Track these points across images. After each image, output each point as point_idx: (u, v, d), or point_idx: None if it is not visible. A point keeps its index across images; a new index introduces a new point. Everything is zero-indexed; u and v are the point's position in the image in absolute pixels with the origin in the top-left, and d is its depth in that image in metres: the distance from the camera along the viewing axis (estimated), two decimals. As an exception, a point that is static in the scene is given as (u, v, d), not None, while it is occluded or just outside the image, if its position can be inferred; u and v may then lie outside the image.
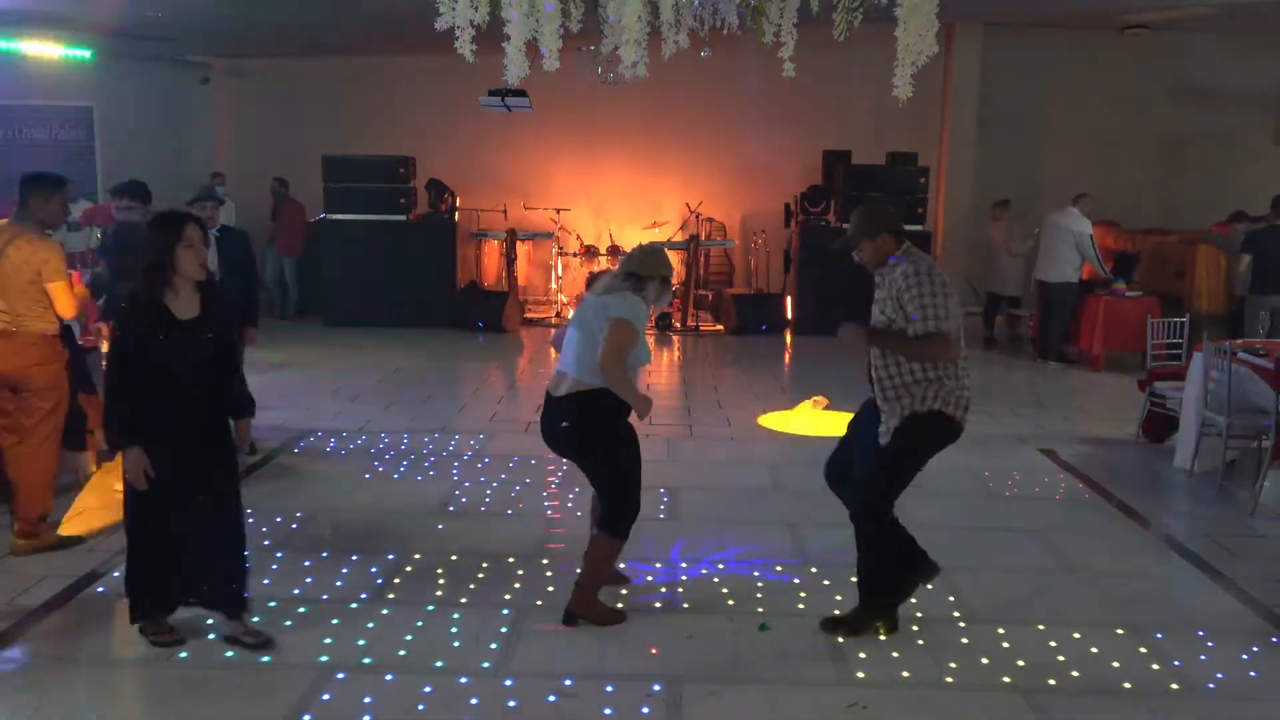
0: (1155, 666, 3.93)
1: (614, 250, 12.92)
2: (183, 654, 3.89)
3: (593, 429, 4.15)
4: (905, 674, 3.83)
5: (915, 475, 4.03)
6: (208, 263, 6.09)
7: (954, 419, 3.93)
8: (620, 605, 4.37)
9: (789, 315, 12.44)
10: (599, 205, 14.05)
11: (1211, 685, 3.81)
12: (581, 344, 4.15)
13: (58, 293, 4.83)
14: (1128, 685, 3.79)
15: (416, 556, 4.88)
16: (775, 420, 7.83)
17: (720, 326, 12.57)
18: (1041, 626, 4.23)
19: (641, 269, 4.21)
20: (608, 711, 3.53)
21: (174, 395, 3.76)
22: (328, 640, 4.00)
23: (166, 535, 3.85)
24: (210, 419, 3.88)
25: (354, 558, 4.84)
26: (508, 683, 3.71)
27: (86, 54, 12.70)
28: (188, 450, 3.80)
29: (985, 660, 3.95)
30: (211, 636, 4.03)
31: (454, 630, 4.13)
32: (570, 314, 4.06)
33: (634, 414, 4.12)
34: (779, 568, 4.83)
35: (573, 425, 4.18)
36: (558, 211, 13.27)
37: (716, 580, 4.67)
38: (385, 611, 4.29)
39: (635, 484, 4.16)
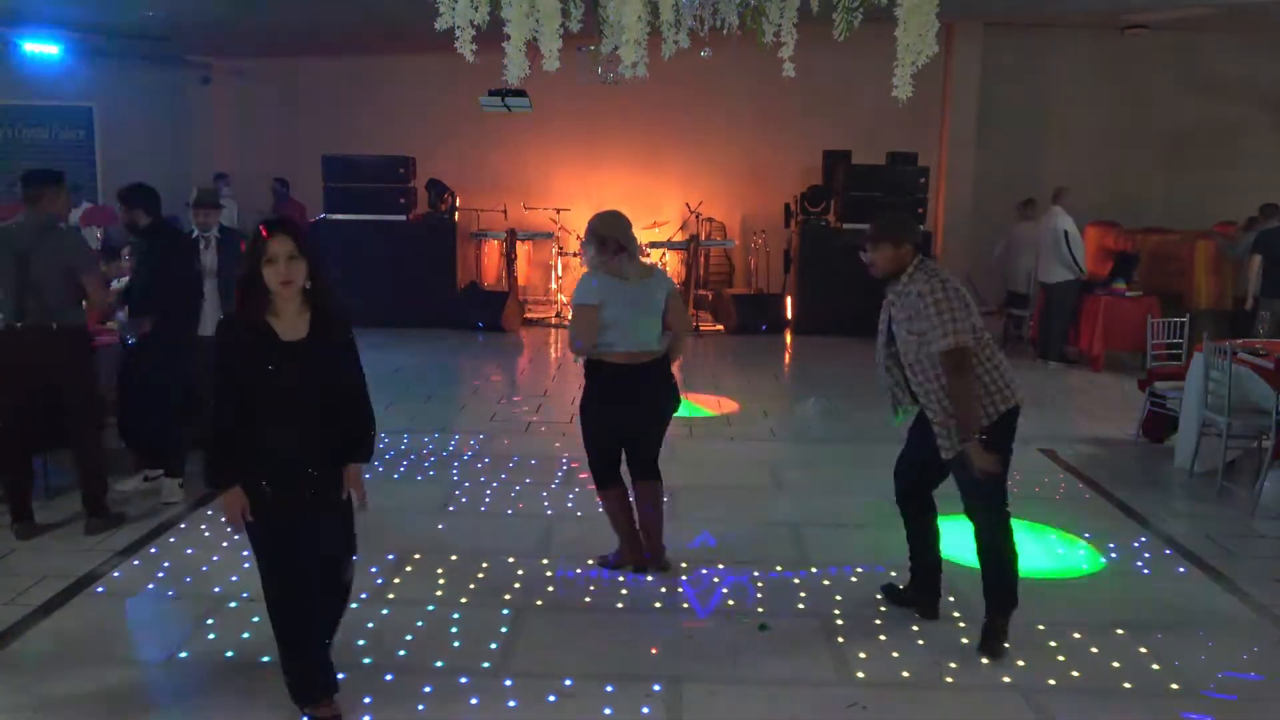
0: (1155, 666, 3.93)
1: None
2: (183, 654, 3.89)
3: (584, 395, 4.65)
4: (905, 674, 3.83)
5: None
6: (205, 263, 6.18)
7: (1013, 408, 3.89)
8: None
9: (789, 315, 12.44)
10: (599, 205, 13.83)
11: (1211, 685, 3.80)
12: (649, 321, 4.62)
13: (94, 285, 5.09)
14: (1128, 685, 3.79)
15: (416, 556, 4.88)
16: (772, 422, 7.82)
17: (720, 326, 12.57)
18: (1041, 626, 4.23)
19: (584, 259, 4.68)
20: (608, 711, 3.53)
21: (278, 432, 3.22)
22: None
23: (312, 611, 3.41)
24: (323, 461, 3.29)
25: (354, 558, 4.83)
26: (508, 683, 3.71)
27: (86, 54, 12.70)
28: (295, 501, 3.27)
29: (985, 660, 3.94)
30: (212, 637, 4.03)
31: (454, 630, 4.12)
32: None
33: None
34: (779, 568, 4.83)
35: (665, 387, 4.66)
36: (558, 211, 13.27)
37: (717, 580, 4.67)
38: (385, 611, 4.29)
39: (598, 439, 4.63)
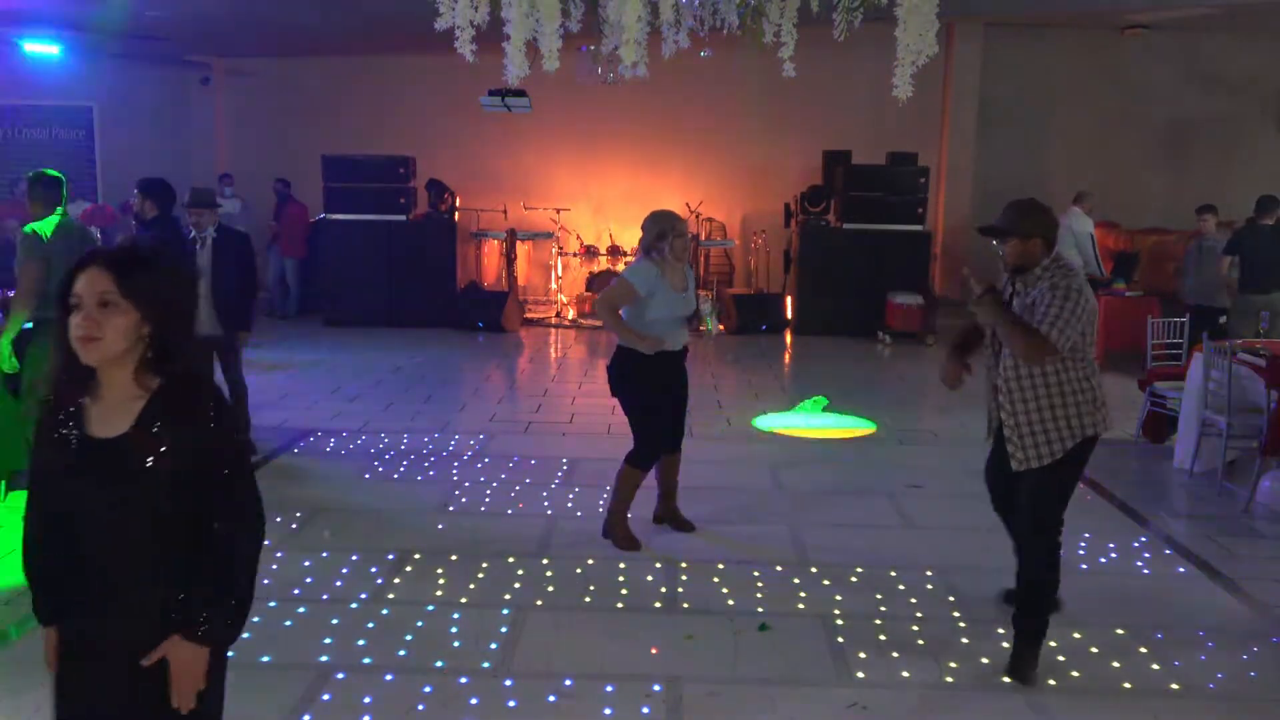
0: (1155, 666, 3.93)
1: (614, 250, 12.93)
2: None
3: (614, 371, 5.00)
4: (905, 674, 3.83)
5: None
6: (202, 264, 6.18)
7: (1091, 436, 3.76)
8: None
9: (789, 315, 12.44)
10: (599, 205, 14.05)
11: (1211, 685, 3.81)
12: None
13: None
14: (1128, 685, 3.79)
15: (416, 556, 4.88)
16: (771, 423, 7.82)
17: (720, 326, 12.57)
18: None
19: (644, 245, 4.97)
20: (608, 711, 3.52)
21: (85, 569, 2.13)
22: (328, 640, 4.00)
23: None
24: (145, 627, 2.11)
25: (354, 558, 4.84)
26: (508, 683, 3.71)
27: (86, 54, 12.71)
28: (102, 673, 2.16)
29: (985, 660, 3.94)
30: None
31: (454, 630, 4.12)
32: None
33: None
34: (779, 568, 4.83)
35: (609, 365, 5.06)
36: (558, 211, 13.27)
37: (716, 580, 4.67)
38: (385, 611, 4.29)
39: (653, 424, 4.95)
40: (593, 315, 12.45)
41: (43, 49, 12.47)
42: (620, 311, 4.88)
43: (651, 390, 4.95)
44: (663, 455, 5.12)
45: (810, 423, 7.77)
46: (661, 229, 4.87)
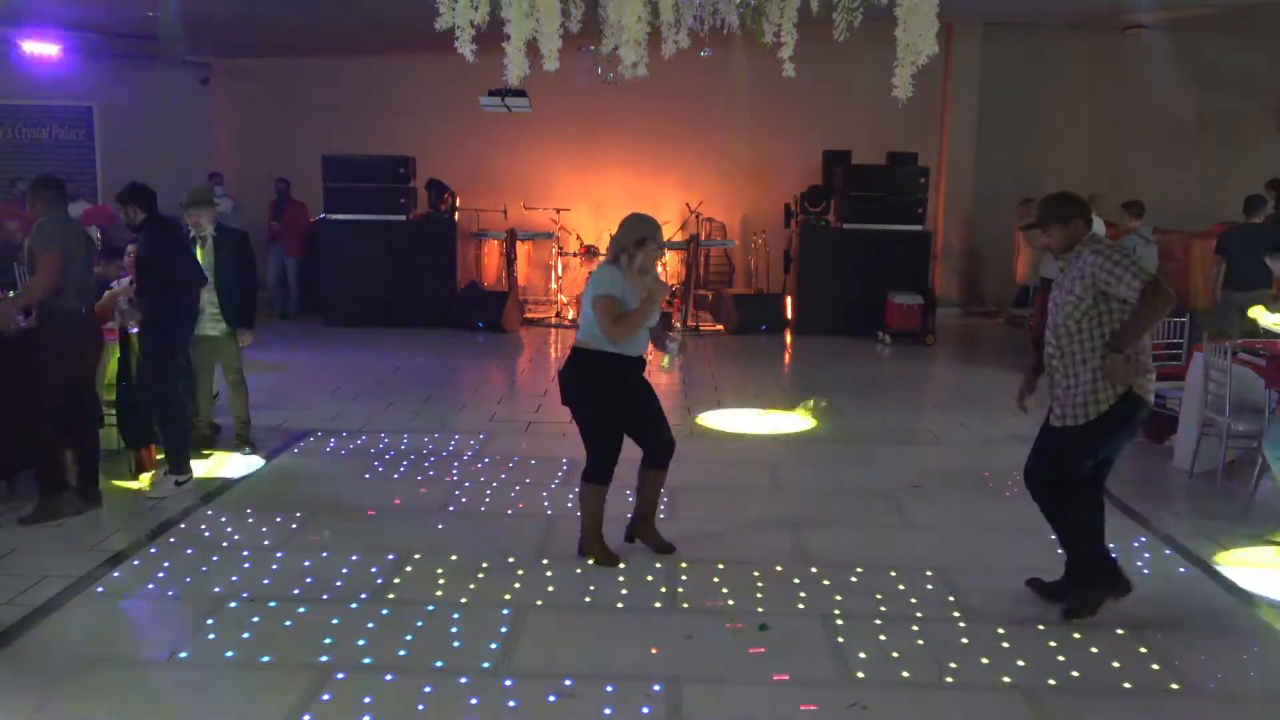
0: (1155, 666, 3.93)
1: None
2: (183, 654, 3.89)
3: (571, 381, 4.73)
4: (905, 674, 3.83)
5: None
6: (204, 264, 6.19)
7: (1138, 397, 4.18)
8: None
9: (789, 315, 12.44)
10: (599, 205, 14.05)
11: (1211, 685, 3.81)
12: (581, 312, 4.79)
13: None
14: (1128, 685, 3.79)
15: (416, 556, 4.88)
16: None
17: (720, 326, 12.57)
18: (1041, 626, 4.23)
19: (614, 248, 4.67)
20: (608, 711, 3.52)
21: None
22: (328, 640, 4.00)
23: None
24: None
25: (354, 558, 4.84)
26: (508, 683, 3.71)
27: (86, 54, 12.71)
28: None
29: (985, 660, 3.94)
30: (212, 637, 4.03)
31: (454, 630, 4.12)
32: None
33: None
34: (779, 568, 4.83)
35: (561, 372, 4.78)
36: (558, 211, 13.27)
37: (716, 580, 4.67)
38: (385, 611, 4.29)
39: (605, 441, 4.71)
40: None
41: (43, 49, 12.46)
42: (615, 315, 4.55)
43: (609, 399, 4.67)
44: (645, 471, 4.86)
45: (750, 423, 7.76)
46: (641, 235, 4.58)
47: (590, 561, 4.81)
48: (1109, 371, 4.06)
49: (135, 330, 5.99)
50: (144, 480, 5.93)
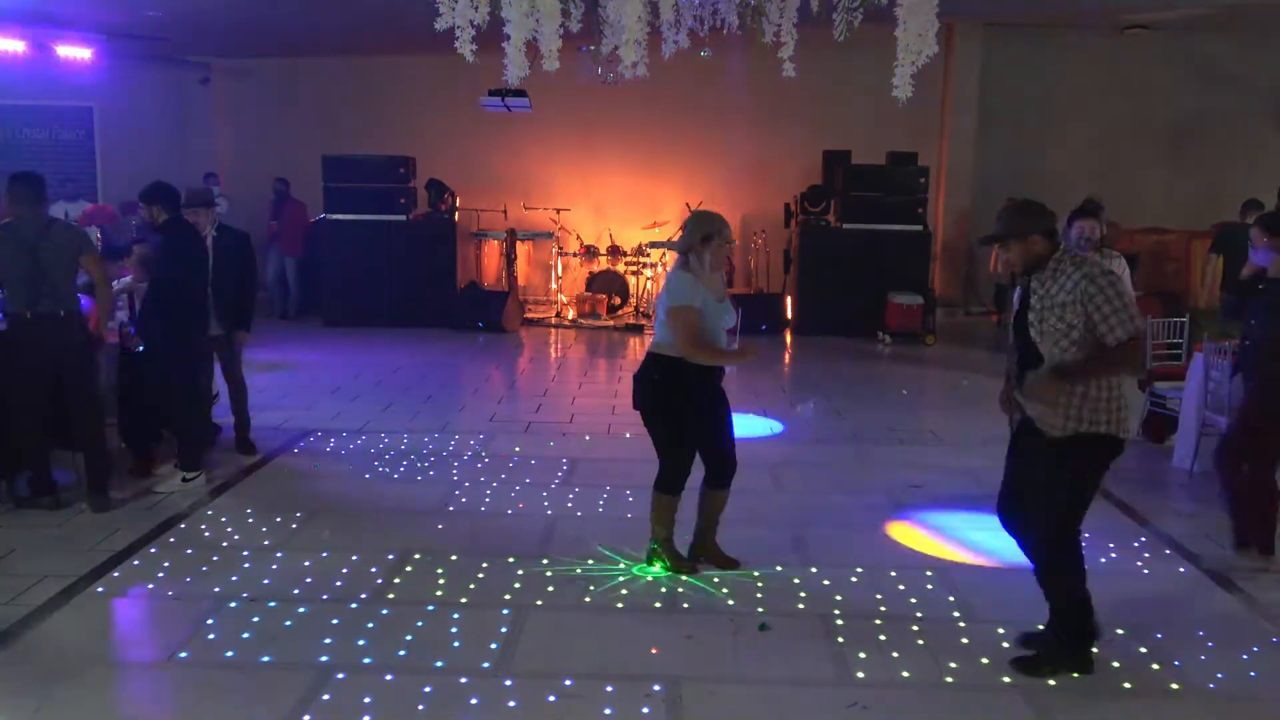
0: (1155, 666, 3.93)
1: (614, 250, 12.92)
2: (183, 654, 3.89)
3: (646, 389, 4.56)
4: (905, 674, 3.83)
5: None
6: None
7: (1111, 436, 3.70)
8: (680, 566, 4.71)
9: (789, 315, 12.43)
10: (599, 205, 14.05)
11: (1211, 685, 3.81)
12: (657, 317, 4.62)
13: (99, 265, 5.61)
14: (1128, 685, 3.79)
15: (416, 556, 4.88)
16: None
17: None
18: (1041, 626, 4.22)
19: (682, 246, 4.57)
20: (608, 711, 3.52)
21: None
22: (328, 640, 4.00)
23: None
24: None
25: (354, 558, 4.84)
26: (508, 683, 3.71)
27: (86, 54, 12.69)
28: None
29: (985, 660, 3.94)
30: (212, 637, 4.03)
31: (454, 630, 4.12)
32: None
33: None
34: (779, 568, 4.83)
35: (636, 378, 4.61)
36: (558, 211, 13.27)
37: (716, 580, 4.67)
38: (385, 611, 4.29)
39: (678, 452, 4.58)
40: (590, 316, 12.47)
41: (43, 49, 12.44)
42: (702, 335, 4.42)
43: (691, 412, 4.53)
44: (707, 490, 4.73)
45: (750, 423, 7.74)
46: (708, 231, 4.47)
47: (659, 569, 4.70)
48: (1031, 388, 3.67)
49: (141, 349, 5.92)
50: (160, 471, 6.02)
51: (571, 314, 12.71)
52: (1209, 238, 10.75)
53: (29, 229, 5.30)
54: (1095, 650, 3.87)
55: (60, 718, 3.47)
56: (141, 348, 5.96)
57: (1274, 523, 4.90)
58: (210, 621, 4.15)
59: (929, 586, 4.64)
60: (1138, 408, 7.43)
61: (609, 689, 3.66)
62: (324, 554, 4.90)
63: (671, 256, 12.97)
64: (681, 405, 4.51)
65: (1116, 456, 3.78)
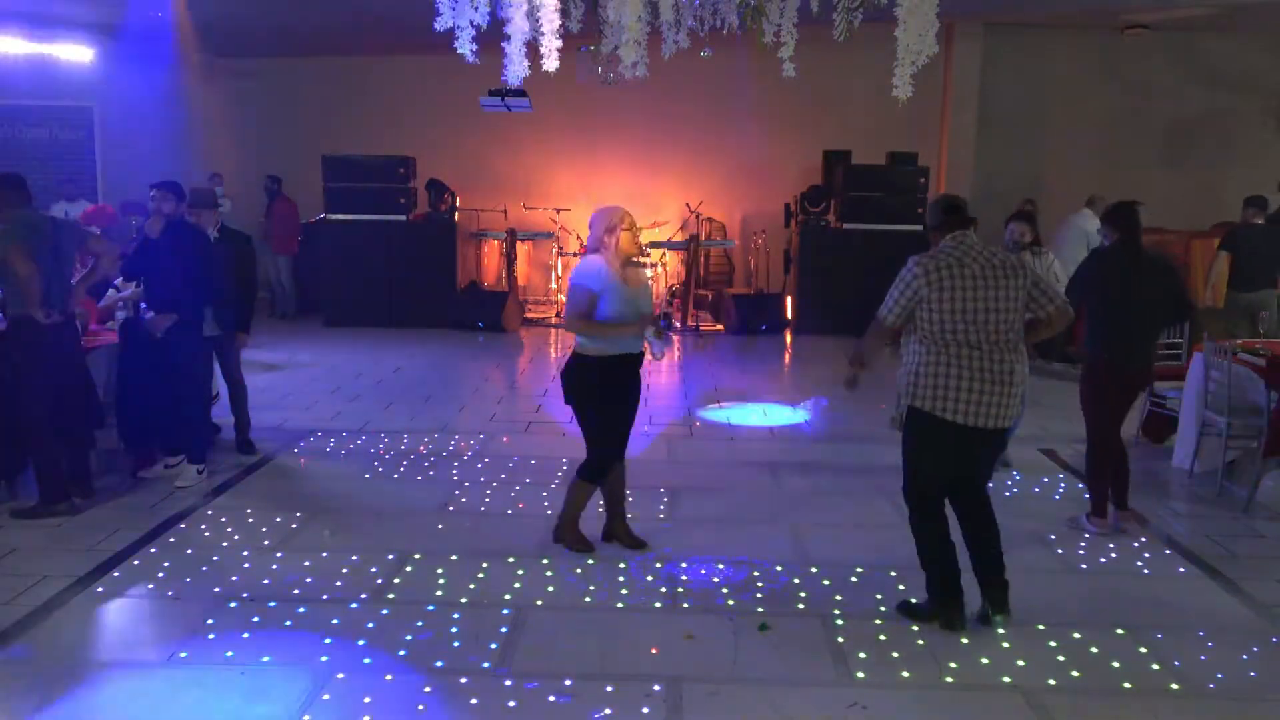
0: (1155, 666, 3.93)
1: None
2: (183, 654, 3.89)
3: (568, 381, 4.76)
4: (905, 674, 3.83)
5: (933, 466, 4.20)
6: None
7: (926, 412, 4.14)
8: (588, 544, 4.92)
9: (789, 315, 12.44)
10: (599, 205, 13.95)
11: (1211, 685, 3.81)
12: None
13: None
14: (1128, 685, 3.79)
15: (416, 556, 4.88)
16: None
17: (720, 326, 12.57)
18: (1041, 626, 4.23)
19: (592, 244, 4.75)
20: (608, 711, 3.53)
21: None
22: (328, 640, 4.00)
23: None
24: None
25: (354, 558, 4.84)
26: (508, 683, 3.71)
27: (87, 54, 12.70)
28: None
29: (985, 660, 3.95)
30: (212, 637, 4.03)
31: (454, 630, 4.13)
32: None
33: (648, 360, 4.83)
34: (779, 568, 4.83)
35: (563, 373, 4.81)
36: (558, 211, 13.28)
37: (716, 580, 4.67)
38: (385, 611, 4.29)
39: (609, 435, 4.77)
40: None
41: (43, 49, 12.45)
42: (590, 317, 4.58)
43: (610, 399, 4.72)
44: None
45: (750, 422, 7.76)
46: (611, 223, 4.68)
47: (564, 546, 4.97)
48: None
49: (160, 335, 5.90)
50: (167, 472, 6.05)
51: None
52: (1209, 238, 10.75)
53: (48, 226, 5.40)
54: (956, 612, 4.13)
55: (60, 718, 3.47)
56: (160, 333, 5.91)
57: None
58: (210, 621, 4.15)
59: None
60: (1138, 408, 7.43)
61: (609, 689, 3.66)
62: (324, 554, 4.90)
63: (673, 256, 13.00)
64: (599, 394, 4.72)
65: (944, 437, 4.07)
